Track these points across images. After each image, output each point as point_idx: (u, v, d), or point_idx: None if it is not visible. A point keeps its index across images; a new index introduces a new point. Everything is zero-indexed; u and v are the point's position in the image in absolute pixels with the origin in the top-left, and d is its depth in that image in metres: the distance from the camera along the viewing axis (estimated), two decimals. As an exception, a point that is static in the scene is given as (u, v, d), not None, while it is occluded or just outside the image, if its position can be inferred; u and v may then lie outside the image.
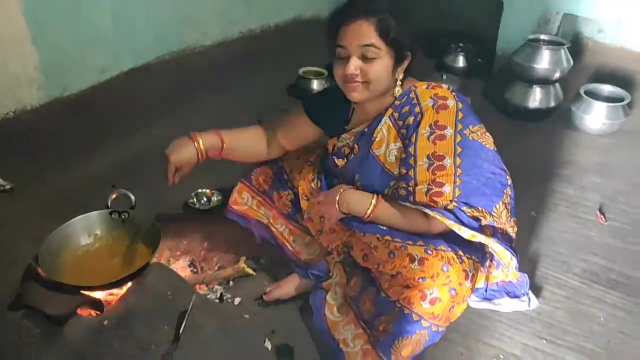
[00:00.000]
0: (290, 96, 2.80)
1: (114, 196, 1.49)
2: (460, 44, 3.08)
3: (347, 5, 1.23)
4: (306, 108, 1.46)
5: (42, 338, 1.22)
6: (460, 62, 3.07)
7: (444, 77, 2.77)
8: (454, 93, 1.27)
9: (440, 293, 1.18)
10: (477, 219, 1.23)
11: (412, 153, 1.23)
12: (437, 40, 3.09)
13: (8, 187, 1.76)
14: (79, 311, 1.31)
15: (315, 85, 2.77)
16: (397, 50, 1.21)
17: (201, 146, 1.37)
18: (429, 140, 1.22)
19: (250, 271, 1.62)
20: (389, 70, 1.23)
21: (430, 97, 1.25)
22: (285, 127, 1.49)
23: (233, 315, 1.47)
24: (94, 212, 1.49)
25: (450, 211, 1.20)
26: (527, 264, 1.66)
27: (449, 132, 1.22)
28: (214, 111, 2.55)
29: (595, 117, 2.41)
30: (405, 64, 1.25)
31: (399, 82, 1.27)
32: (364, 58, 1.21)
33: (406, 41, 1.23)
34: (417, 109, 1.25)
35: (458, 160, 1.21)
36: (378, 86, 1.25)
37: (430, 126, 1.22)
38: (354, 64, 1.21)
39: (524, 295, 1.50)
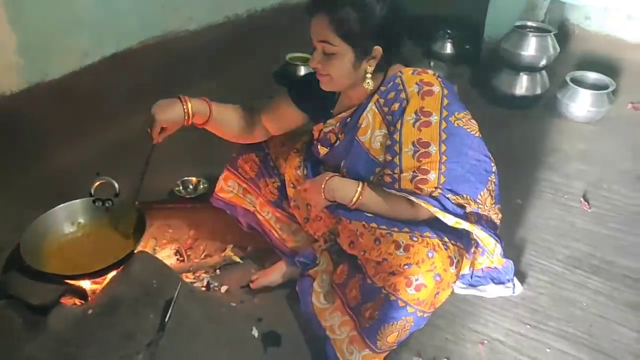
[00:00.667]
0: (277, 82, 2.77)
1: (97, 184, 1.46)
2: (448, 31, 3.07)
3: None
4: (290, 93, 1.44)
5: (25, 328, 1.20)
6: (448, 48, 3.06)
7: (432, 63, 2.76)
8: (439, 79, 1.26)
9: (425, 279, 1.19)
10: (461, 206, 1.23)
11: (397, 140, 1.23)
12: (425, 26, 3.07)
13: (-12, 175, 1.73)
14: (62, 300, 1.29)
15: (302, 71, 2.75)
16: (356, 46, 1.18)
17: (189, 109, 1.34)
18: (414, 126, 1.21)
19: (237, 259, 1.63)
20: (348, 66, 1.20)
21: (416, 83, 1.23)
22: (270, 111, 1.47)
23: (220, 303, 1.47)
24: (77, 200, 1.46)
25: (435, 198, 1.20)
26: (512, 250, 1.68)
27: (435, 118, 1.21)
28: (199, 97, 2.51)
29: (580, 104, 2.43)
30: (375, 57, 1.21)
31: (368, 75, 1.23)
32: (324, 52, 1.20)
33: (384, 33, 1.19)
34: (402, 95, 1.24)
35: (443, 147, 1.21)
36: (340, 81, 1.25)
37: (415, 112, 1.22)
38: (316, 58, 1.22)
39: (508, 281, 1.52)
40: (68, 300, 1.32)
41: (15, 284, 1.28)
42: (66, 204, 1.44)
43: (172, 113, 1.32)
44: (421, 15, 2.96)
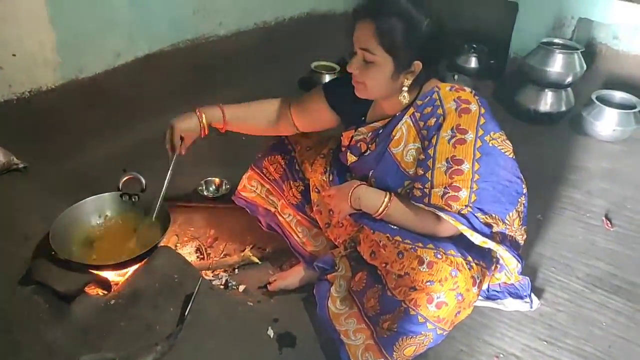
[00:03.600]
0: (302, 90, 2.81)
1: (125, 178, 1.51)
2: (474, 45, 3.08)
3: (362, 1, 1.20)
4: (326, 91, 1.44)
5: (51, 313, 1.24)
6: (473, 62, 3.06)
7: (456, 77, 2.77)
8: (477, 97, 1.25)
9: (447, 298, 1.18)
10: (489, 226, 1.22)
11: (432, 155, 1.22)
12: (450, 40, 3.08)
13: (22, 165, 1.79)
14: (87, 289, 1.33)
15: (327, 79, 2.78)
16: (398, 59, 1.18)
17: (204, 121, 1.40)
18: (449, 143, 1.20)
19: (256, 260, 1.64)
20: (386, 77, 1.21)
21: (454, 100, 1.22)
22: (301, 106, 1.48)
23: (237, 301, 1.49)
24: (106, 194, 1.50)
25: (464, 216, 1.19)
26: (531, 265, 1.67)
27: (470, 136, 1.20)
28: (225, 101, 2.55)
29: (606, 123, 2.41)
30: (413, 71, 1.21)
31: (405, 88, 1.23)
32: (365, 60, 1.20)
33: (426, 48, 1.18)
34: (439, 111, 1.23)
35: (476, 166, 1.20)
36: (375, 91, 1.25)
37: (452, 129, 1.20)
38: (354, 64, 1.22)
39: (526, 297, 1.50)
40: (92, 290, 1.36)
41: (43, 271, 1.32)
42: (95, 196, 1.49)
43: (188, 123, 1.39)
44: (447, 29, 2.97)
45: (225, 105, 1.45)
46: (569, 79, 2.50)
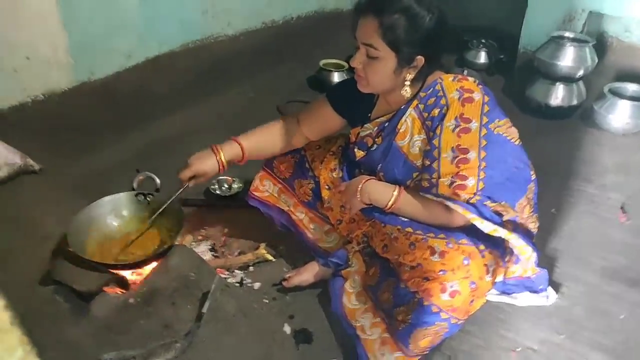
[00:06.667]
0: (310, 88, 2.82)
1: (140, 178, 1.52)
2: (483, 40, 3.06)
3: None
4: (329, 97, 1.46)
5: (71, 312, 1.26)
6: (482, 58, 3.05)
7: (465, 72, 2.76)
8: (480, 86, 1.26)
9: (460, 286, 1.18)
10: (499, 214, 1.22)
11: (437, 145, 1.23)
12: (459, 35, 3.07)
13: (37, 167, 1.81)
14: (105, 289, 1.34)
15: (336, 77, 2.78)
16: (400, 54, 1.19)
17: (222, 158, 1.41)
18: (453, 132, 1.21)
19: (270, 257, 1.65)
20: (389, 72, 1.22)
21: (457, 90, 1.24)
22: (309, 117, 1.50)
23: (253, 299, 1.50)
24: (121, 194, 1.51)
25: (473, 205, 1.20)
26: (546, 259, 1.66)
27: (475, 125, 1.21)
28: (235, 101, 2.58)
29: (619, 116, 2.38)
30: (416, 66, 1.22)
31: (407, 83, 1.24)
32: (368, 55, 1.21)
33: (429, 44, 1.19)
34: (442, 101, 1.24)
35: (483, 154, 1.21)
36: (377, 85, 1.26)
37: (455, 119, 1.22)
38: (358, 59, 1.23)
39: (542, 290, 1.50)
40: (110, 289, 1.37)
41: (62, 271, 1.34)
42: (111, 196, 1.50)
43: (207, 165, 1.40)
44: (456, 24, 2.96)
45: (240, 137, 1.46)
46: (580, 73, 2.48)
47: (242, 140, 1.45)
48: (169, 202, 1.40)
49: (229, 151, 1.42)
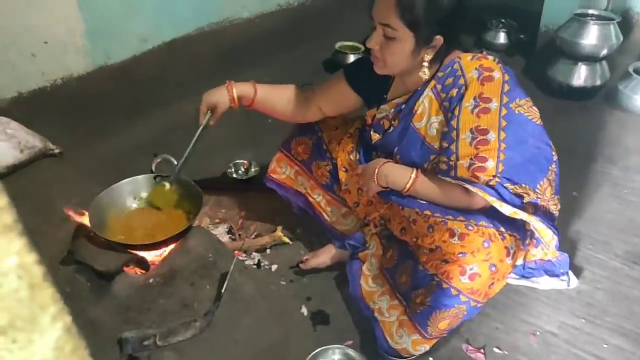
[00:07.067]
0: (326, 71, 2.79)
1: (158, 161, 1.53)
2: (502, 20, 2.99)
3: None
4: (347, 74, 1.44)
5: (92, 292, 1.28)
6: (502, 38, 2.98)
7: (484, 53, 2.70)
8: (500, 64, 1.22)
9: (480, 269, 1.17)
10: (519, 196, 1.20)
11: (455, 126, 1.20)
12: (477, 15, 3.00)
13: (57, 151, 1.83)
14: (125, 269, 1.36)
15: (351, 59, 2.75)
16: (419, 34, 1.16)
17: (234, 93, 1.42)
18: (472, 113, 1.18)
19: (287, 240, 1.65)
20: (406, 53, 1.19)
21: (475, 69, 1.20)
22: (325, 92, 1.49)
23: (271, 281, 1.51)
24: (140, 176, 1.52)
25: (492, 187, 1.17)
26: (568, 243, 1.64)
27: (494, 105, 1.18)
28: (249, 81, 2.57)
29: (644, 96, 2.32)
30: (434, 46, 1.19)
31: (425, 64, 1.21)
32: (385, 35, 1.19)
33: (447, 23, 1.17)
34: (461, 81, 1.21)
35: (502, 135, 1.18)
36: (395, 66, 1.24)
37: (474, 99, 1.19)
38: (375, 40, 1.21)
39: (563, 274, 1.48)
40: (131, 269, 1.39)
41: (83, 251, 1.35)
42: (130, 179, 1.51)
43: (217, 95, 1.42)
44: (473, 3, 2.89)
45: (258, 83, 1.47)
46: (604, 52, 2.40)
47: (258, 85, 1.47)
48: (192, 144, 1.41)
49: (241, 87, 1.44)
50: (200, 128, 1.42)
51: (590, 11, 2.52)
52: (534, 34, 2.91)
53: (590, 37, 2.37)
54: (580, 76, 2.47)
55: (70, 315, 0.37)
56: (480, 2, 3.09)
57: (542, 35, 2.88)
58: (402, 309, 1.29)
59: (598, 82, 2.47)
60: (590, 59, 2.44)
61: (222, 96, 1.42)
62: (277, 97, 1.50)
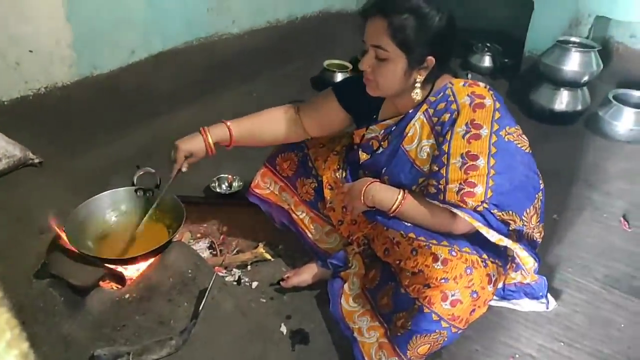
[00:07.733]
0: (314, 88, 2.81)
1: (139, 174, 1.51)
2: (487, 44, 3.06)
3: None
4: (336, 91, 1.43)
5: (66, 306, 1.25)
6: (487, 61, 3.04)
7: (469, 76, 2.73)
8: (491, 92, 1.24)
9: (461, 295, 1.16)
10: (506, 223, 1.19)
11: (446, 151, 1.20)
12: (464, 38, 3.06)
13: (37, 160, 1.80)
14: (101, 284, 1.33)
15: (339, 78, 2.76)
16: (411, 55, 1.18)
17: (209, 139, 1.39)
18: (464, 138, 1.19)
19: (269, 256, 1.63)
20: (399, 74, 1.20)
21: (468, 95, 1.21)
22: (311, 109, 1.47)
23: (250, 298, 1.49)
24: (121, 189, 1.50)
25: (480, 213, 1.17)
26: (548, 266, 1.64)
27: (485, 131, 1.18)
28: (237, 99, 2.57)
29: (624, 123, 2.37)
30: (427, 67, 1.20)
31: (417, 85, 1.22)
32: (377, 57, 1.20)
33: (439, 44, 1.18)
34: (453, 106, 1.22)
35: (492, 161, 1.18)
36: (387, 88, 1.24)
37: (466, 124, 1.19)
38: (366, 61, 1.21)
39: (542, 297, 1.48)
40: (107, 284, 1.36)
41: (58, 265, 1.32)
42: (110, 191, 1.49)
43: (193, 144, 1.37)
44: (460, 27, 2.95)
45: (231, 121, 1.43)
46: (585, 78, 2.46)
47: (232, 123, 1.42)
48: (166, 186, 1.40)
49: (216, 133, 1.40)
50: (172, 177, 1.39)
51: (573, 39, 2.59)
52: (518, 58, 2.98)
53: (572, 64, 2.43)
54: (562, 101, 2.52)
55: (28, 340, 0.36)
56: (467, 26, 3.15)
57: (526, 60, 2.95)
58: (383, 331, 1.28)
59: (579, 107, 2.53)
60: (572, 84, 2.49)
61: (197, 144, 1.38)
62: (255, 129, 1.47)
